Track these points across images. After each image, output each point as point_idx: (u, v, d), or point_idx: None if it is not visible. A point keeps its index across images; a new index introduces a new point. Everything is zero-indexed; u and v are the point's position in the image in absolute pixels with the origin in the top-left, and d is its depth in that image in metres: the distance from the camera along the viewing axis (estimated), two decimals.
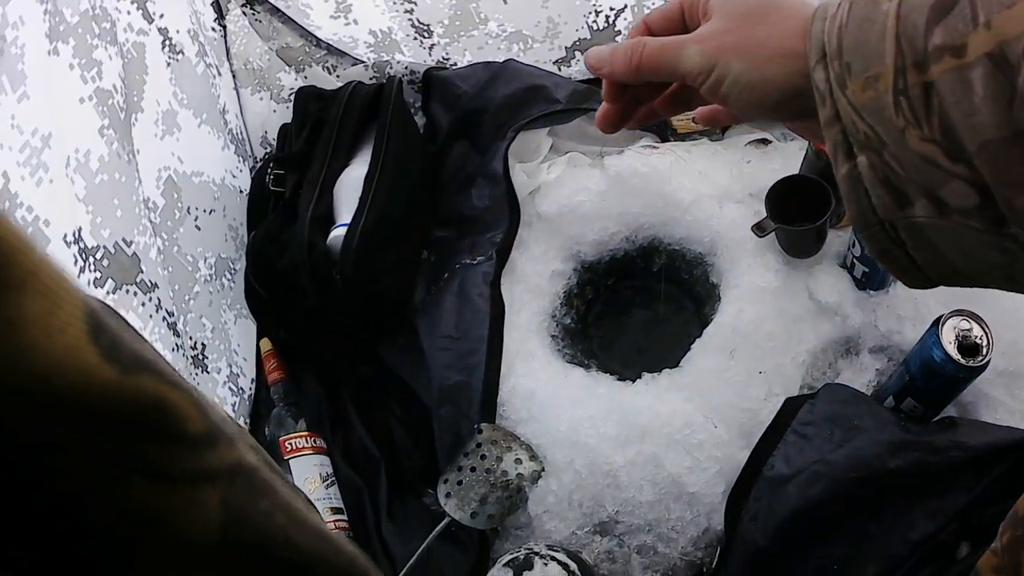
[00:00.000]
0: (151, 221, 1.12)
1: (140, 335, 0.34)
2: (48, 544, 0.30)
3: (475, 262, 1.27)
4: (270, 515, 0.35)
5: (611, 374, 1.23)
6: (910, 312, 1.17)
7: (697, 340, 1.19)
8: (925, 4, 0.46)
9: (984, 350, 1.01)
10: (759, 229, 1.19)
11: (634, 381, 1.19)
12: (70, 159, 0.98)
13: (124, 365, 0.29)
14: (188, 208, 1.25)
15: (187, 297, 1.19)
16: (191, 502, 0.32)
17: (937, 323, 1.02)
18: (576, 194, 1.30)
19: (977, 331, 1.02)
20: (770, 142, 1.36)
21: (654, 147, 1.35)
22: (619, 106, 0.68)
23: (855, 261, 1.18)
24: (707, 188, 1.28)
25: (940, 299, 1.16)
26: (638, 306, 1.35)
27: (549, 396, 1.17)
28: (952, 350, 1.00)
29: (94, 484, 0.30)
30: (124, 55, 1.13)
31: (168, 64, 1.27)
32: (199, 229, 1.27)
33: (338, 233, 1.23)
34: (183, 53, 1.32)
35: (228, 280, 1.32)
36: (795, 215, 1.16)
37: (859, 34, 0.49)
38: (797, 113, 0.56)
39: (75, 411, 0.28)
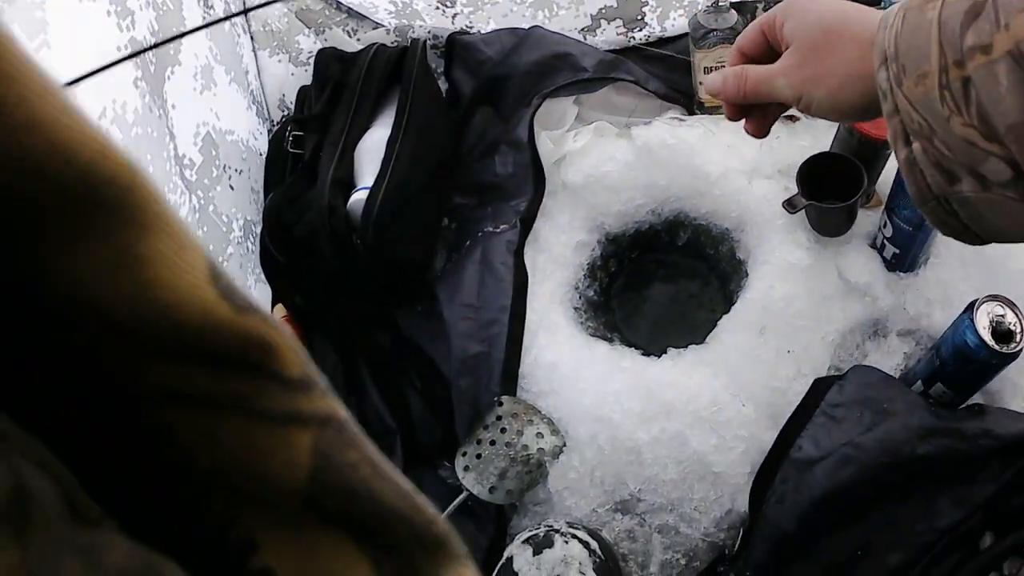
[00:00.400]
0: (183, 178, 1.09)
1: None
2: (156, 488, 0.31)
3: (498, 230, 1.25)
4: (356, 466, 0.35)
5: (634, 348, 1.20)
6: (939, 296, 1.16)
7: (724, 316, 1.17)
8: (960, 10, 0.55)
9: (1018, 336, 0.99)
10: (790, 205, 1.17)
11: (659, 356, 1.17)
12: (107, 110, 0.95)
13: (237, 306, 0.30)
14: (224, 166, 1.22)
15: (221, 259, 1.16)
16: (284, 443, 0.32)
17: (971, 308, 1.00)
18: (603, 164, 1.28)
19: (1011, 317, 1.00)
20: (798, 119, 1.33)
21: (681, 119, 1.32)
22: (745, 115, 0.81)
23: (885, 242, 1.16)
24: (736, 162, 1.25)
25: (970, 284, 1.15)
26: (661, 280, 1.33)
27: (572, 369, 1.15)
28: (986, 335, 0.98)
29: (204, 425, 0.31)
30: (157, 6, 1.10)
31: (203, 17, 1.24)
32: (232, 189, 1.24)
33: (359, 196, 1.20)
34: (213, 8, 1.28)
35: (252, 244, 1.29)
36: (826, 193, 1.14)
37: (910, 39, 0.58)
38: (872, 115, 0.67)
39: (193, 344, 0.29)
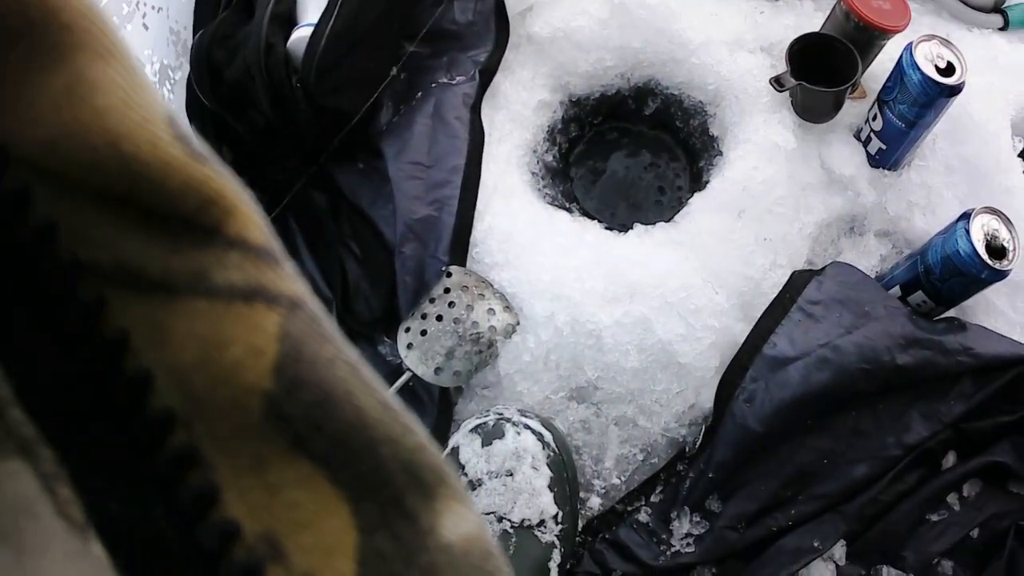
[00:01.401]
0: None
1: None
2: (80, 370, 0.25)
3: (454, 82, 1.12)
4: (332, 363, 0.28)
5: (597, 221, 1.11)
6: (922, 200, 1.10)
7: (697, 195, 1.09)
8: None
9: (1010, 254, 0.95)
10: (778, 83, 1.08)
11: (624, 232, 1.08)
12: None
13: (194, 153, 0.26)
14: (138, 3, 1.06)
15: None
16: (246, 324, 0.26)
17: (966, 217, 0.95)
18: (573, 18, 1.16)
19: (1005, 233, 0.96)
20: None
21: None
22: None
23: (872, 135, 1.09)
24: (718, 32, 1.16)
25: (955, 193, 1.11)
26: (624, 151, 1.23)
27: (529, 240, 1.05)
28: (980, 248, 0.94)
29: (152, 315, 0.25)
30: None
31: None
32: (146, 28, 1.08)
33: (302, 34, 1.06)
34: None
35: (168, 91, 1.13)
36: (814, 76, 1.06)
37: None
38: None
39: (144, 193, 0.25)
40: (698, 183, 1.13)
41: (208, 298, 0.26)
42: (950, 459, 1.00)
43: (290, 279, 0.29)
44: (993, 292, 1.04)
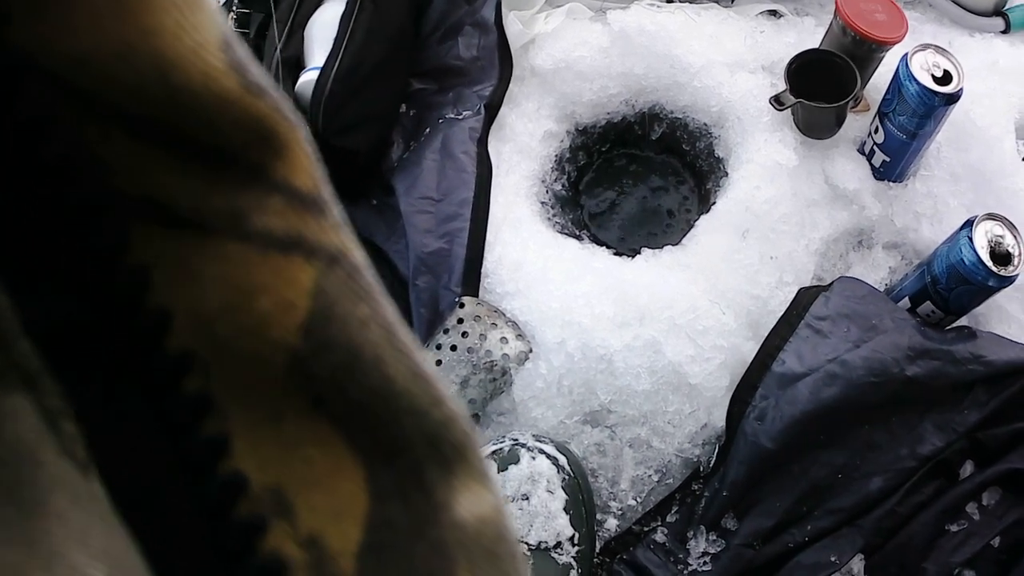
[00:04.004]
0: None
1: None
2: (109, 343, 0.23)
3: (460, 117, 1.15)
4: (365, 325, 0.27)
5: (606, 247, 1.13)
6: (928, 210, 1.11)
7: (703, 217, 1.10)
8: None
9: (1016, 260, 0.95)
10: (778, 102, 1.09)
11: (633, 257, 1.10)
12: None
13: (249, 83, 0.24)
14: None
15: None
16: (280, 276, 0.25)
17: (969, 225, 0.95)
18: (575, 49, 1.18)
19: (1010, 239, 0.96)
20: (782, 15, 1.25)
21: (661, 4, 1.22)
22: None
23: (875, 148, 1.10)
24: (718, 54, 1.17)
25: (961, 200, 1.11)
26: (633, 176, 1.24)
27: (539, 269, 1.07)
28: (984, 255, 0.94)
29: (182, 253, 0.24)
30: None
31: None
32: None
33: (309, 77, 1.10)
34: None
35: None
36: (814, 92, 1.07)
37: None
38: None
39: (187, 123, 0.23)
40: (706, 205, 1.15)
41: (242, 242, 0.24)
42: (967, 468, 1.00)
43: (334, 229, 0.27)
44: (1005, 298, 1.04)
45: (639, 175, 1.25)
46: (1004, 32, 1.25)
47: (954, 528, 0.98)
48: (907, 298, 1.04)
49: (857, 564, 0.97)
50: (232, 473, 0.24)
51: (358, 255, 0.28)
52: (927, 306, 1.01)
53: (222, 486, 0.24)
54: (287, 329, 0.25)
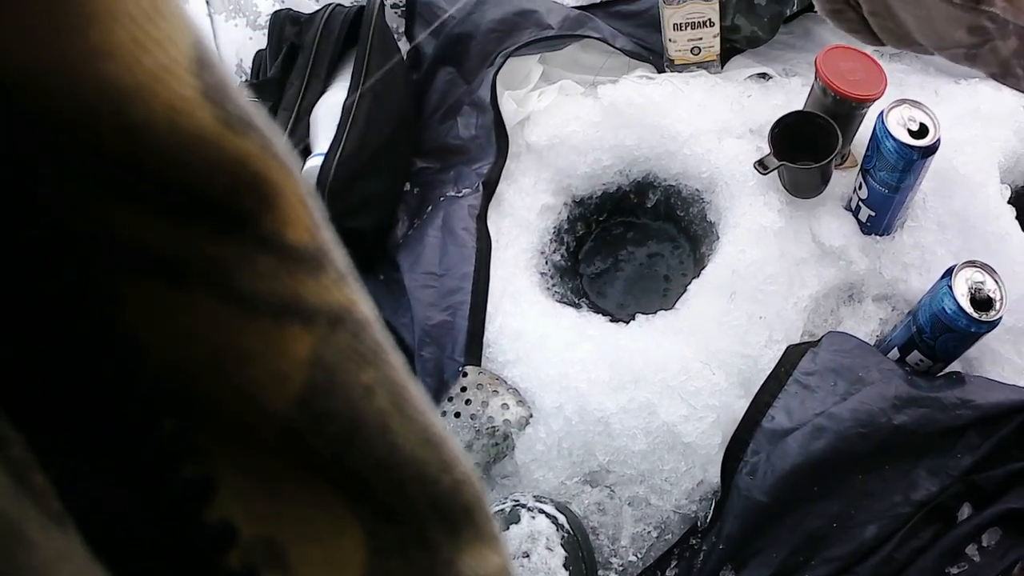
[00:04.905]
0: None
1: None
2: (81, 384, 0.21)
3: (460, 194, 1.21)
4: (370, 393, 0.25)
5: (603, 315, 1.17)
6: (916, 260, 1.13)
7: (694, 281, 1.14)
8: None
9: (998, 304, 0.96)
10: (762, 166, 1.13)
11: (627, 323, 1.13)
12: None
13: (229, 117, 0.20)
14: None
15: None
16: (271, 346, 0.22)
17: (949, 274, 0.97)
18: (568, 124, 1.23)
19: (990, 284, 0.97)
20: (771, 77, 1.29)
21: (650, 77, 1.27)
22: None
23: (860, 204, 1.13)
24: (706, 122, 1.21)
25: (948, 248, 1.12)
26: (631, 244, 1.29)
27: (538, 337, 1.11)
28: (965, 303, 0.95)
29: (160, 301, 0.21)
30: None
31: None
32: None
33: (314, 163, 1.16)
34: None
35: None
36: (799, 153, 1.10)
37: None
38: None
39: (147, 154, 0.19)
40: (700, 269, 1.18)
41: (224, 303, 0.21)
42: (965, 511, 1.01)
43: (336, 285, 0.25)
44: (997, 341, 1.06)
45: (637, 242, 1.29)
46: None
47: (955, 571, 0.99)
48: (896, 348, 1.06)
49: None
50: (219, 521, 0.23)
51: (364, 308, 0.26)
52: (915, 355, 1.04)
53: (209, 535, 0.23)
54: (280, 401, 0.23)
